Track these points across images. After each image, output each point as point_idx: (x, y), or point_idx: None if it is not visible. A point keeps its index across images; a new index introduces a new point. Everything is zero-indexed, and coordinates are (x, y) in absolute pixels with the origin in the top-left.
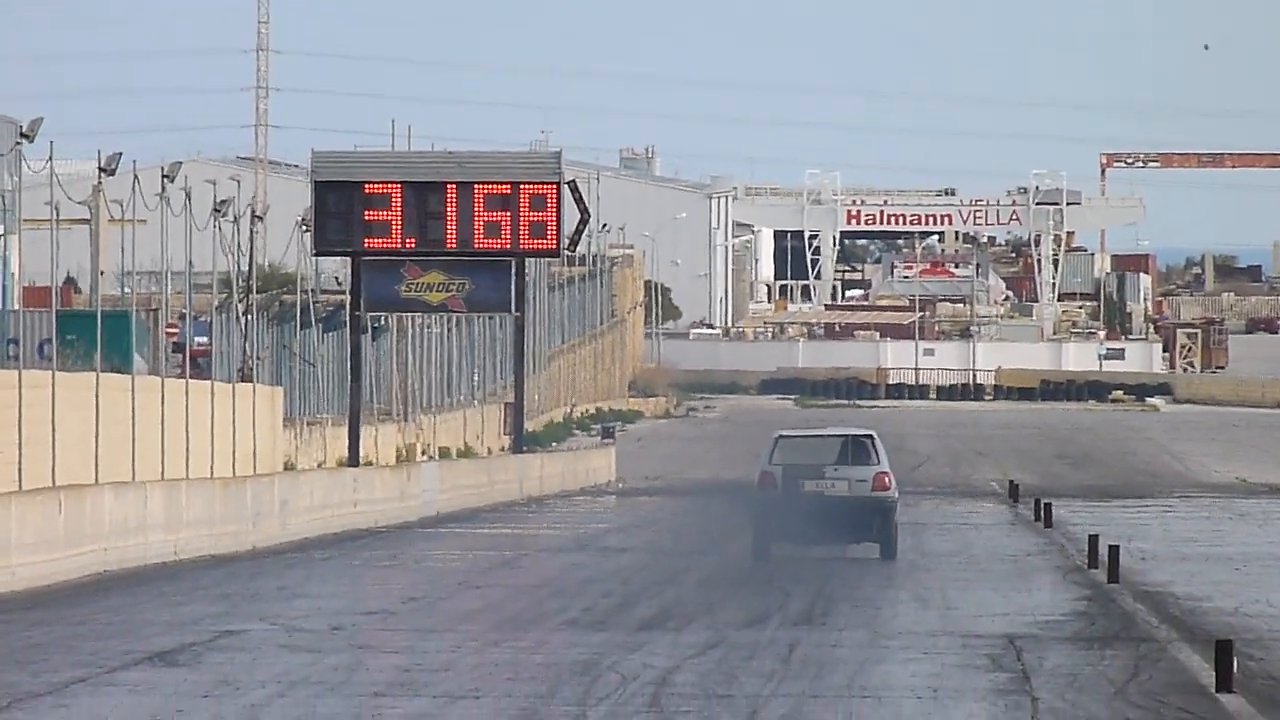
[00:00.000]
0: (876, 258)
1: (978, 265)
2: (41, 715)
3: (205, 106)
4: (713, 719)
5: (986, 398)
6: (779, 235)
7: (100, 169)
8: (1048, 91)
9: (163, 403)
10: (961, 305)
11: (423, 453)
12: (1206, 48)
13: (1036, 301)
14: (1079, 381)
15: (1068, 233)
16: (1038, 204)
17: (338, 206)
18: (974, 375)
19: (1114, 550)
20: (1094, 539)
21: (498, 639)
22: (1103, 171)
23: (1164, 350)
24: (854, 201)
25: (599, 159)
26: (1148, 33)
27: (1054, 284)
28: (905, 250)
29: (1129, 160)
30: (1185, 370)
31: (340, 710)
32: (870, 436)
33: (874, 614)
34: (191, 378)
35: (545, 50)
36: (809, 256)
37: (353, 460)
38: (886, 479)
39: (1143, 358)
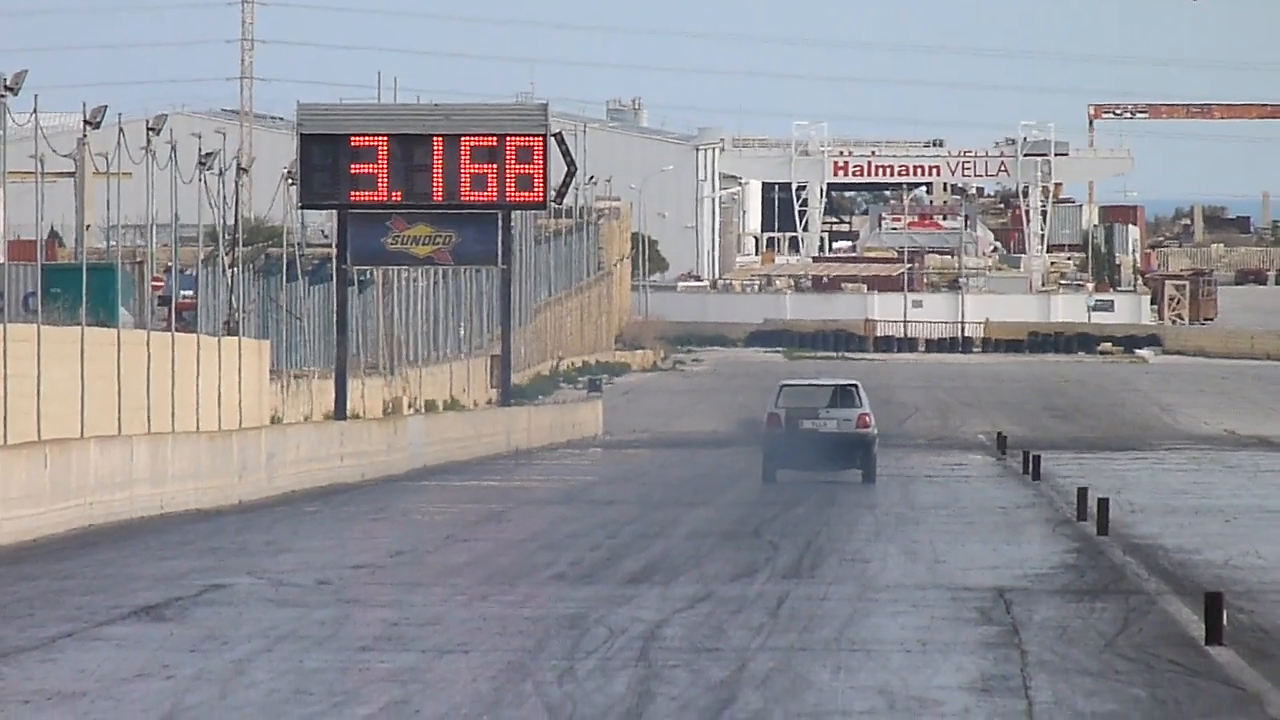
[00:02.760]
0: (864, 210)
1: (966, 217)
2: (28, 670)
3: (190, 59)
4: (701, 672)
5: (975, 350)
6: (766, 187)
7: (85, 122)
8: (1036, 43)
9: (148, 356)
10: (949, 257)
11: (409, 406)
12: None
13: (1025, 253)
14: (1067, 333)
15: (1056, 184)
16: (1025, 155)
17: (323, 159)
18: (962, 327)
19: (1103, 502)
20: (1083, 491)
21: (485, 593)
22: (1091, 123)
23: (1153, 302)
24: (841, 153)
25: (585, 111)
26: None
27: (1042, 235)
28: (893, 202)
29: (1117, 111)
30: (1174, 322)
31: (327, 664)
32: (855, 385)
33: (863, 567)
34: (177, 331)
35: (531, 2)
36: (796, 208)
37: (339, 413)
38: (867, 419)
39: (1131, 309)
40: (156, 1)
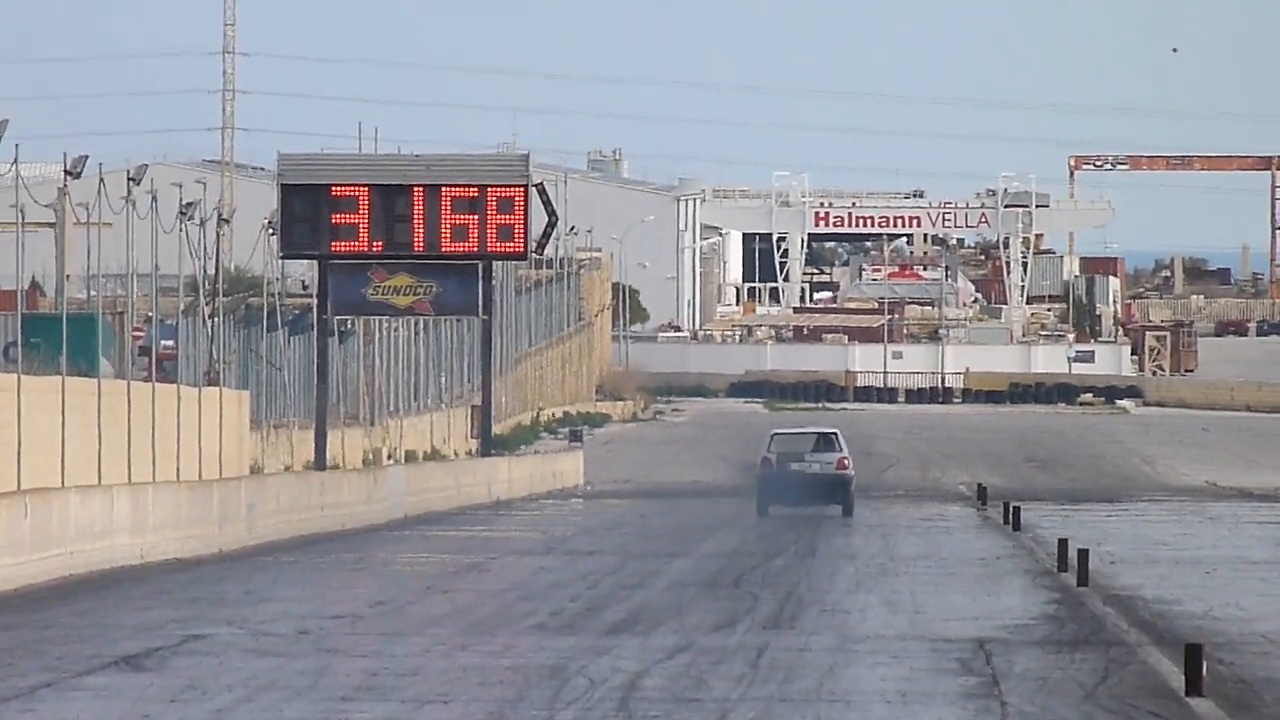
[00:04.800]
0: (845, 260)
1: (946, 268)
2: None
3: (172, 109)
4: None
5: (955, 400)
6: (747, 237)
7: (66, 172)
8: (1016, 94)
9: (129, 406)
10: (930, 308)
11: (389, 456)
12: (1175, 50)
13: (1005, 304)
14: (1048, 384)
15: (1036, 235)
16: (1006, 206)
17: (304, 210)
18: (943, 378)
19: (1083, 554)
20: (1063, 542)
21: (466, 643)
22: (1071, 174)
23: (1133, 353)
24: (822, 203)
25: (567, 161)
26: (1116, 35)
27: (1023, 286)
28: (873, 253)
29: (1098, 163)
30: (1154, 373)
31: (307, 715)
32: (835, 433)
33: (843, 618)
34: (158, 381)
35: (512, 52)
36: (777, 259)
37: (319, 463)
38: (846, 461)
39: (1112, 360)
40: (138, 51)
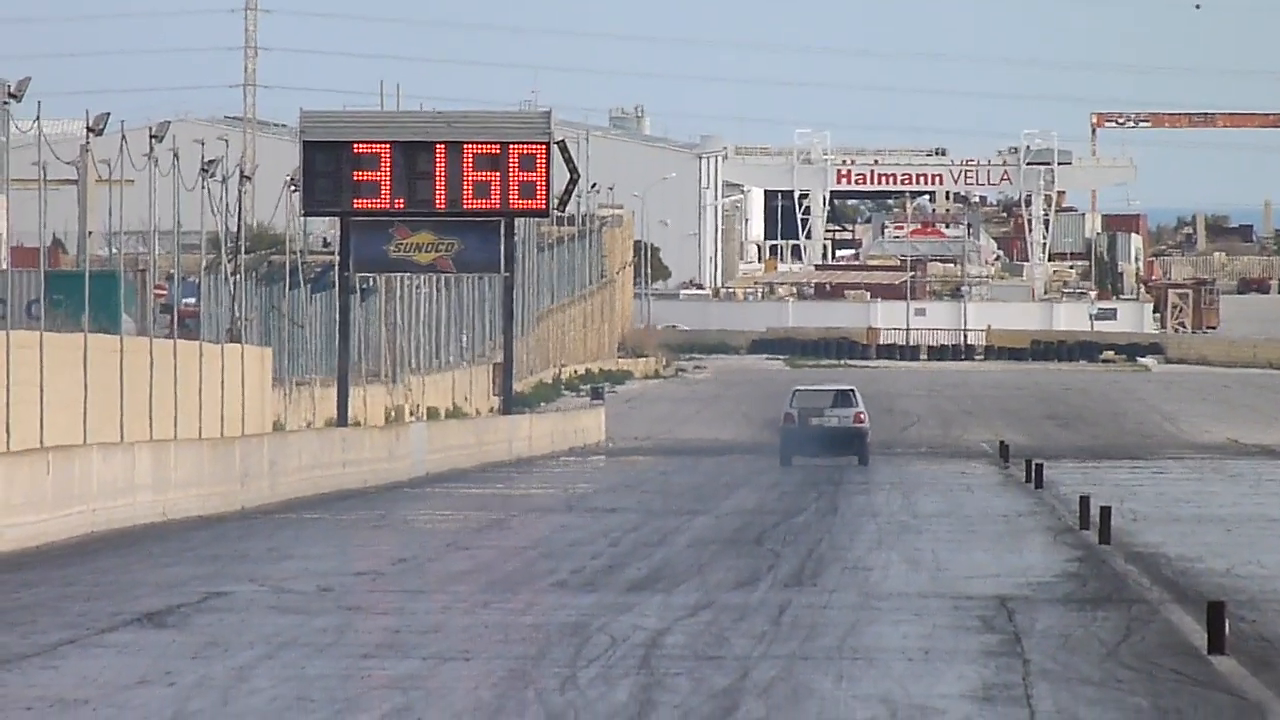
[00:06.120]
0: (867, 218)
1: (968, 225)
2: (30, 676)
3: (194, 66)
4: (703, 680)
5: (977, 358)
6: (769, 195)
7: (88, 129)
8: (1039, 51)
9: (151, 363)
10: (952, 265)
11: (411, 413)
12: (1198, 6)
13: (1027, 261)
14: (1070, 342)
15: (1059, 193)
16: (1028, 164)
17: (326, 166)
18: (965, 335)
19: (1105, 511)
20: (1085, 500)
21: (487, 600)
22: (1093, 131)
23: (1155, 310)
24: (844, 161)
25: (588, 119)
26: None
27: (1045, 244)
28: (896, 210)
29: (1120, 120)
30: (1176, 330)
31: (329, 671)
32: (852, 390)
33: (865, 575)
34: (180, 338)
35: (534, 9)
36: (799, 216)
37: (341, 421)
38: (862, 416)
39: (1134, 318)
40: (160, 9)
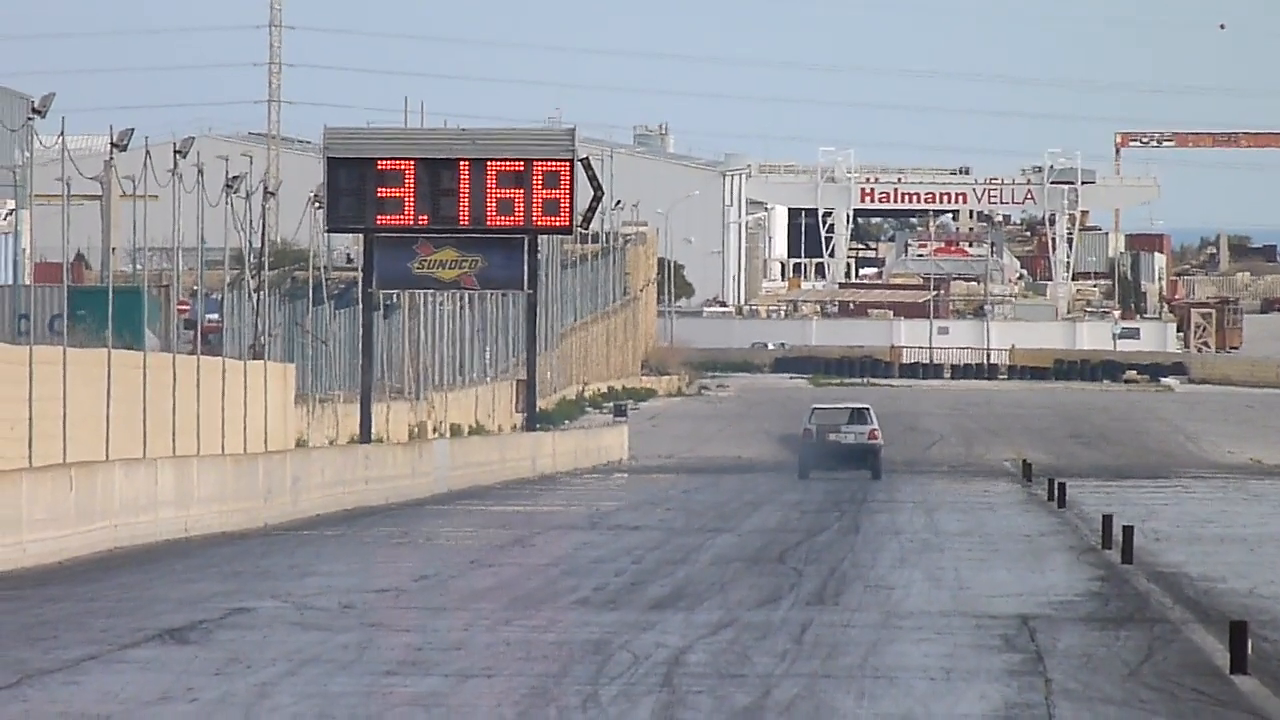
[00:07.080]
0: (890, 236)
1: (992, 244)
2: (52, 692)
3: (218, 82)
4: (725, 698)
5: (1000, 377)
6: (793, 213)
7: (112, 144)
8: (1063, 70)
9: (174, 379)
10: (975, 284)
11: (434, 430)
12: (1222, 27)
13: (1051, 281)
14: (1093, 361)
15: (1082, 212)
16: (1052, 183)
17: (350, 183)
18: (988, 354)
19: (1128, 530)
20: (1108, 519)
21: (509, 617)
22: (1117, 151)
23: (1178, 330)
24: (868, 179)
25: (613, 136)
26: (1163, 11)
27: (1068, 263)
28: (919, 228)
29: (1144, 139)
30: (1200, 350)
31: (351, 689)
32: (867, 408)
33: (887, 594)
34: (203, 354)
35: (559, 27)
36: (823, 234)
37: (364, 437)
38: (876, 433)
39: (1157, 337)
40: (184, 25)
